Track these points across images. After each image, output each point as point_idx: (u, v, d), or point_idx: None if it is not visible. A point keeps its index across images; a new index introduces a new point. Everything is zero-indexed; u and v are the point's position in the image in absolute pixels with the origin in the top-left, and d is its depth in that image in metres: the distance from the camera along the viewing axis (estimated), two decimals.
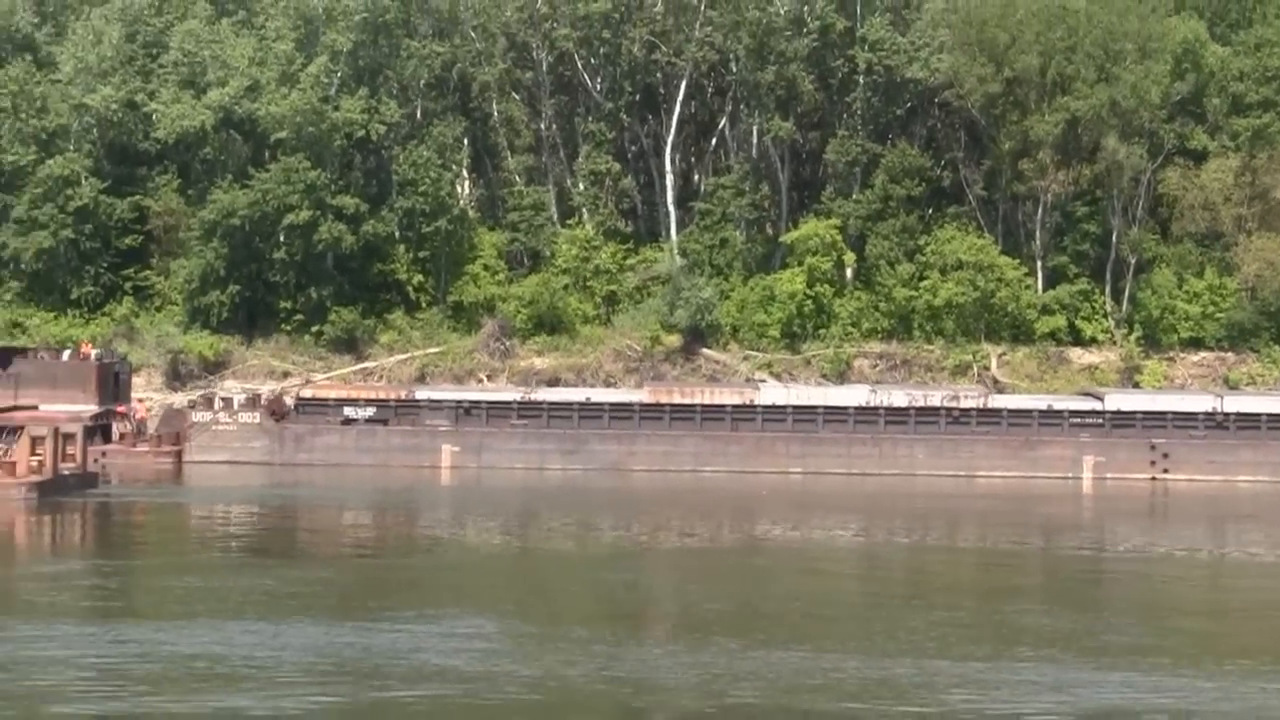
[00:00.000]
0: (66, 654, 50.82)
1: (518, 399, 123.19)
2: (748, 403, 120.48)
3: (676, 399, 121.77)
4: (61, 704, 44.91)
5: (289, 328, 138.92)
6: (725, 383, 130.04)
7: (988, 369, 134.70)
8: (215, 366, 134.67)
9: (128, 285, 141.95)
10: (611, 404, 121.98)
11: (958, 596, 66.85)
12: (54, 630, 54.45)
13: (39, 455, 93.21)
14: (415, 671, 48.63)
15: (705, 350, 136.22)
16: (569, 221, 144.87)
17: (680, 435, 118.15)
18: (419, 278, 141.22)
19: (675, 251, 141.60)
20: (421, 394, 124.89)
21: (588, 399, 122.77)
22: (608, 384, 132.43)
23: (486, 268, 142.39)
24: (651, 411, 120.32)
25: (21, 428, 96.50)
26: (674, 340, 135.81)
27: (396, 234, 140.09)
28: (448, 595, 65.33)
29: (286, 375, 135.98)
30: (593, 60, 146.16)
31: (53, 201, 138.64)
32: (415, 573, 74.24)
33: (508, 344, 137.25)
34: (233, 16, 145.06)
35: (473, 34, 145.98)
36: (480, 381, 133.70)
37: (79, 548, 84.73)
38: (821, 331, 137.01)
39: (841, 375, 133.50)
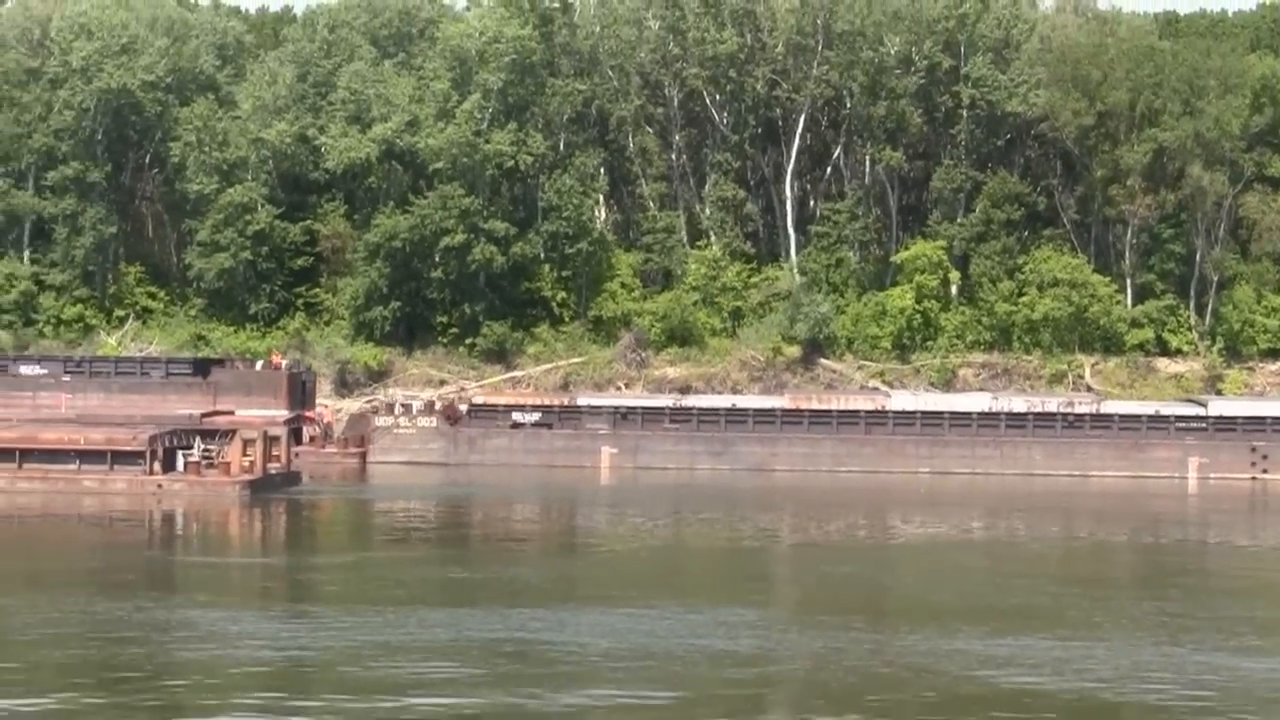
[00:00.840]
0: (410, 639, 49.85)
1: (670, 405, 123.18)
2: (880, 408, 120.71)
3: (815, 405, 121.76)
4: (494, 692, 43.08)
5: (445, 340, 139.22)
6: (857, 390, 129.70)
7: (1081, 377, 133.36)
8: (379, 375, 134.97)
9: (300, 302, 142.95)
10: (755, 410, 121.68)
11: (1154, 588, 65.52)
12: (366, 618, 53.31)
13: (249, 456, 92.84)
14: (727, 655, 47.32)
15: (823, 360, 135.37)
16: (698, 243, 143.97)
17: (818, 438, 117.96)
18: (562, 294, 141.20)
19: (795, 270, 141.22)
20: (583, 400, 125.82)
21: (734, 405, 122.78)
22: (734, 391, 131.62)
23: (623, 285, 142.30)
24: (792, 416, 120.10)
25: (233, 431, 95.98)
26: (794, 351, 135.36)
27: (542, 255, 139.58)
28: (687, 587, 64.04)
29: (443, 383, 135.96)
30: (719, 96, 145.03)
31: (233, 226, 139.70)
32: (637, 565, 72.99)
33: (643, 355, 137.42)
34: (394, 58, 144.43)
35: (610, 73, 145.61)
36: (619, 389, 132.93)
37: (313, 539, 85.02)
38: (929, 343, 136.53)
39: (948, 383, 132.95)
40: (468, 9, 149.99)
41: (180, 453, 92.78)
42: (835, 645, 49.08)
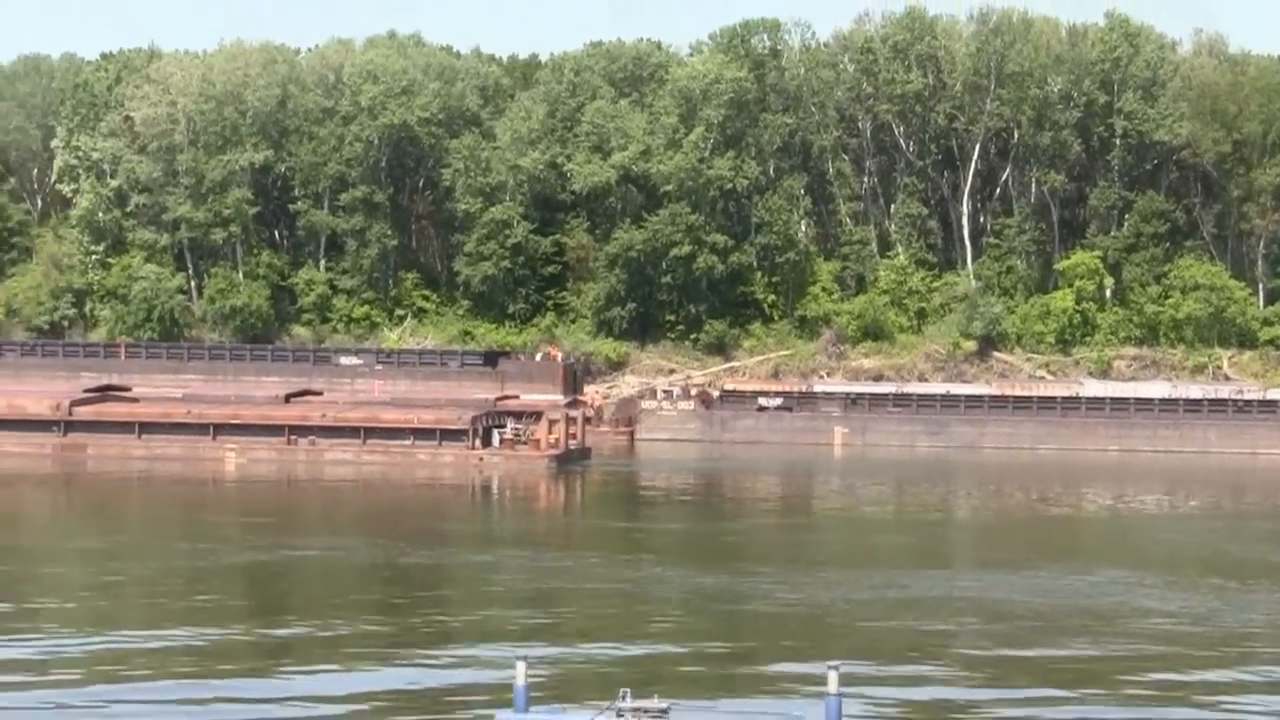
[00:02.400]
0: (905, 595, 49.12)
1: (893, 391, 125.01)
2: (1074, 395, 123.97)
3: (1018, 391, 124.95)
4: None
5: (673, 335, 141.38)
6: (1025, 379, 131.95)
7: (1220, 368, 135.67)
8: (617, 366, 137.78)
9: (549, 303, 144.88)
10: (966, 395, 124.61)
11: None
12: (825, 575, 52.97)
13: (554, 434, 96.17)
14: (1184, 613, 45.90)
15: (996, 353, 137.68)
16: (887, 253, 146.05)
17: (1020, 420, 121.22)
18: (772, 297, 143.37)
19: (971, 276, 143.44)
20: (819, 387, 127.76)
21: (947, 391, 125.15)
22: (920, 380, 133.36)
23: (824, 289, 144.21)
24: (997, 401, 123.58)
25: (540, 413, 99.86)
26: (971, 346, 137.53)
27: (754, 263, 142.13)
28: (1046, 551, 62.02)
29: (671, 372, 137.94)
30: (906, 128, 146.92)
31: (494, 239, 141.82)
32: (969, 533, 73.19)
33: (841, 348, 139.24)
34: (629, 97, 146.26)
35: (813, 109, 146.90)
36: (821, 378, 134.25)
37: (636, 505, 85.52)
38: (1086, 338, 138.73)
39: (1104, 373, 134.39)
40: (691, 55, 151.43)
41: (495, 431, 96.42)
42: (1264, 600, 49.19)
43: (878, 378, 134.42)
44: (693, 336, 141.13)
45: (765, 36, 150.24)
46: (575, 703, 22.83)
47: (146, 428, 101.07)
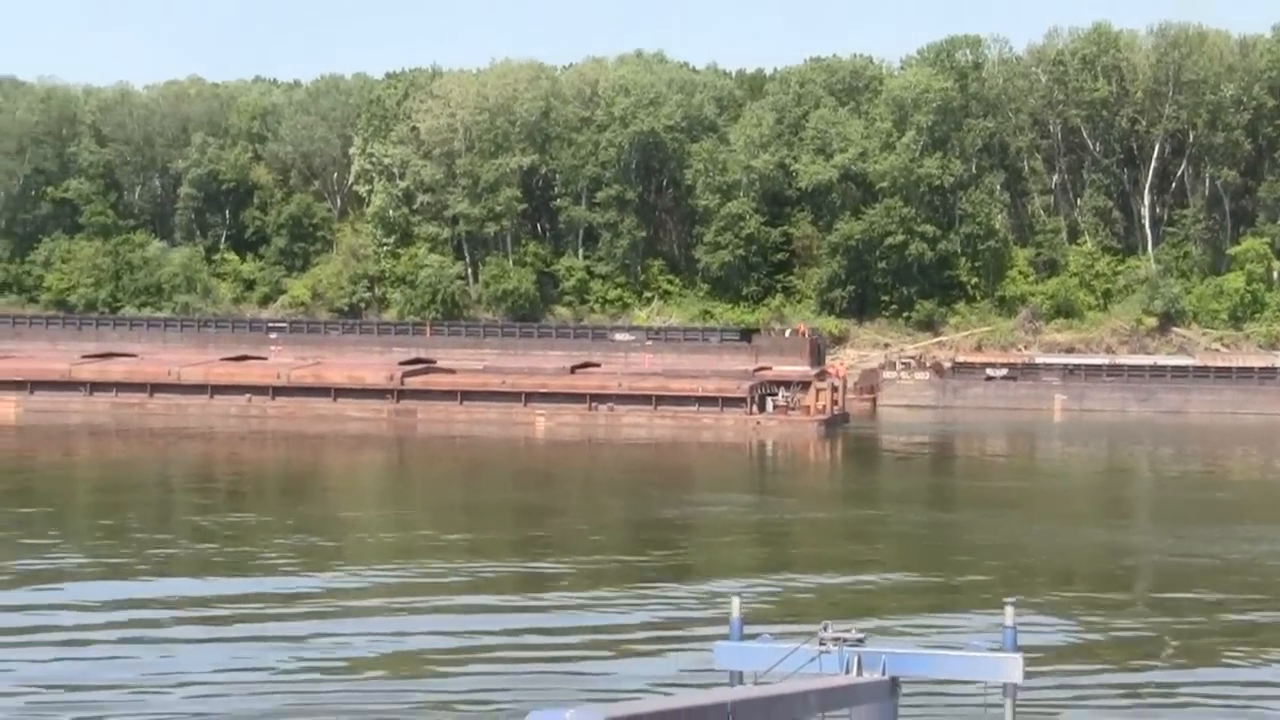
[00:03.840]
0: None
1: (1105, 362, 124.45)
2: (1270, 365, 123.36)
3: (1219, 362, 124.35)
4: None
5: (887, 314, 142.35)
6: (1230, 351, 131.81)
7: None
8: (838, 341, 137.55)
9: (778, 285, 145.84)
10: (1172, 365, 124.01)
11: None
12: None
13: (822, 401, 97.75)
14: None
15: (1174, 329, 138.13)
16: (1077, 241, 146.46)
17: (1221, 388, 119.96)
18: (975, 279, 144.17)
19: (1151, 261, 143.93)
20: (1040, 359, 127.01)
21: (1154, 363, 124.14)
22: (1108, 352, 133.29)
23: (1020, 272, 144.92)
24: (1200, 371, 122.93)
25: (807, 382, 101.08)
26: (1152, 322, 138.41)
27: (959, 250, 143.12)
28: None
29: (886, 346, 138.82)
30: (1092, 130, 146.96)
31: (730, 231, 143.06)
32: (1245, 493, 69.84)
33: (1036, 325, 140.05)
34: (847, 105, 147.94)
35: (1010, 114, 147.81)
36: (1019, 350, 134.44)
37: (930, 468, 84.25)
38: (1256, 315, 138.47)
39: (1271, 346, 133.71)
40: (902, 68, 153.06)
41: (769, 398, 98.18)
42: None
43: (1069, 350, 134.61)
44: (905, 315, 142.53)
45: (968, 51, 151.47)
46: (789, 635, 19.34)
47: (467, 395, 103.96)
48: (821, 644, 14.47)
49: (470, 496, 66.02)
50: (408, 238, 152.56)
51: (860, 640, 14.67)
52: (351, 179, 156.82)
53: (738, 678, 14.72)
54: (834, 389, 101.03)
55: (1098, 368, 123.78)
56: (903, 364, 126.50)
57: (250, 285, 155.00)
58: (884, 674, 14.57)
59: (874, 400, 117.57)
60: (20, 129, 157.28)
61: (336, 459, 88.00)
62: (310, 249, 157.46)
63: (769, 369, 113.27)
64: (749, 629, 15.35)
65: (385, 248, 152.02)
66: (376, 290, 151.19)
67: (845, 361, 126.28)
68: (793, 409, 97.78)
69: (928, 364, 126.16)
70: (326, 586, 39.69)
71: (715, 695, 12.82)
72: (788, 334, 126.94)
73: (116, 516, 54.66)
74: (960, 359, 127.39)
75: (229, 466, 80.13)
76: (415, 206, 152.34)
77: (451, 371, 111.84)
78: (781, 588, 40.16)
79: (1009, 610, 15.29)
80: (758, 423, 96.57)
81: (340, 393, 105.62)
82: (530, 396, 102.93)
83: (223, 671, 29.40)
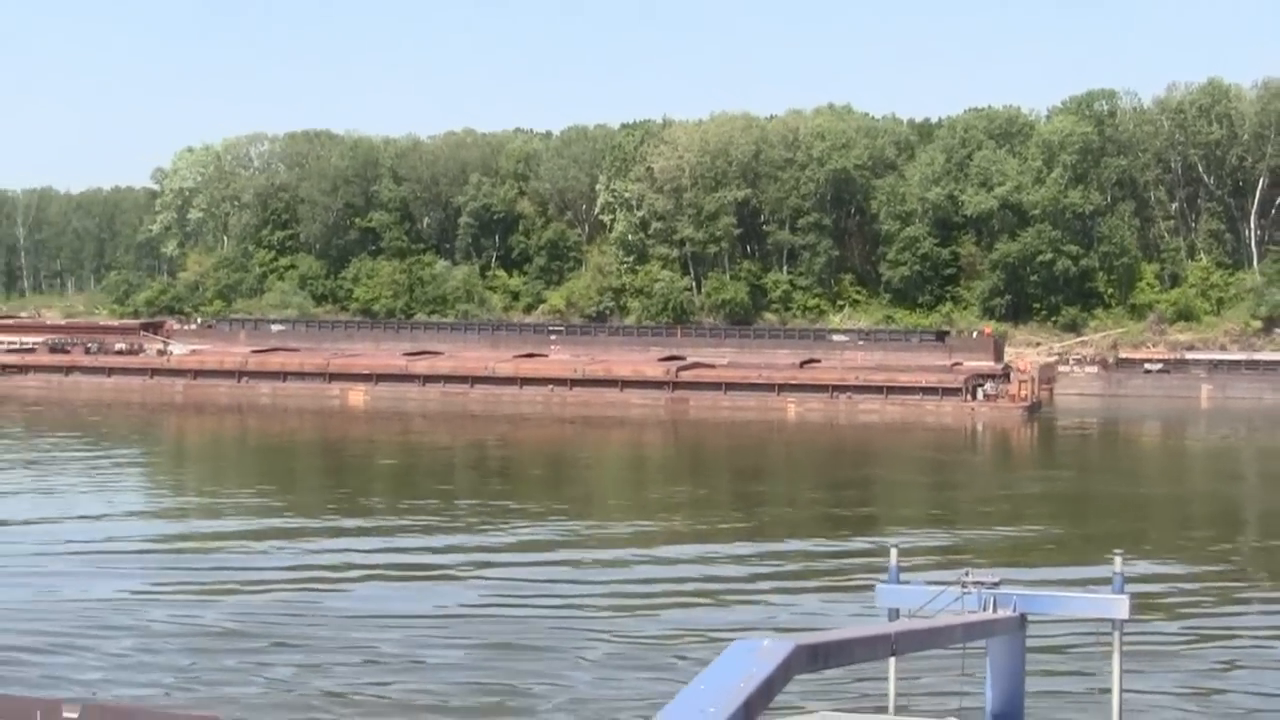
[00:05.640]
0: None
1: (1244, 358, 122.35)
2: None
3: None
4: None
5: (1038, 318, 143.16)
6: None
7: None
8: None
9: (948, 295, 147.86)
10: None
11: None
12: None
13: (1025, 390, 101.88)
14: None
15: (1276, 330, 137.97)
16: (1195, 257, 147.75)
17: None
18: (1110, 290, 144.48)
19: (1257, 274, 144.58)
20: (1189, 355, 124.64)
21: None
22: (1222, 349, 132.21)
23: (1148, 284, 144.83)
24: None
25: (1009, 374, 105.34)
26: (1257, 325, 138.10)
27: (1097, 265, 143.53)
28: None
29: (1038, 345, 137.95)
30: (1206, 165, 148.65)
31: (908, 250, 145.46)
32: None
33: (1163, 327, 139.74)
34: (1003, 147, 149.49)
35: (1138, 153, 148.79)
36: (1148, 349, 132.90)
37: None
38: None
39: None
40: (1049, 117, 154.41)
41: (979, 388, 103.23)
42: None
43: (1189, 347, 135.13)
44: (1052, 319, 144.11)
45: (1104, 101, 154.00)
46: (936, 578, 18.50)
47: (730, 386, 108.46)
48: (964, 587, 14.26)
49: (755, 461, 73.09)
50: (644, 257, 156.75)
51: (996, 584, 14.42)
52: (597, 210, 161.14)
53: (894, 613, 14.49)
54: (1032, 380, 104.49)
55: (1238, 362, 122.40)
56: (1075, 360, 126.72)
57: (515, 296, 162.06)
58: (1014, 611, 14.35)
59: (1050, 390, 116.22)
60: (334, 172, 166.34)
61: (646, 437, 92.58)
62: (564, 266, 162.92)
63: (960, 364, 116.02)
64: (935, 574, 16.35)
65: (625, 265, 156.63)
66: (619, 300, 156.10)
67: (1028, 357, 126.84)
68: (999, 397, 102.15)
69: (1096, 359, 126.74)
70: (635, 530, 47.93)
71: (882, 628, 12.71)
72: (974, 335, 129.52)
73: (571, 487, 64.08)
74: (1122, 355, 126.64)
75: (580, 446, 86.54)
76: (650, 232, 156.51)
77: (712, 366, 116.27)
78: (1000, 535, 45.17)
79: (1117, 560, 14.90)
80: (972, 409, 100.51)
81: (626, 384, 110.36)
82: (782, 387, 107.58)
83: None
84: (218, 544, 46.18)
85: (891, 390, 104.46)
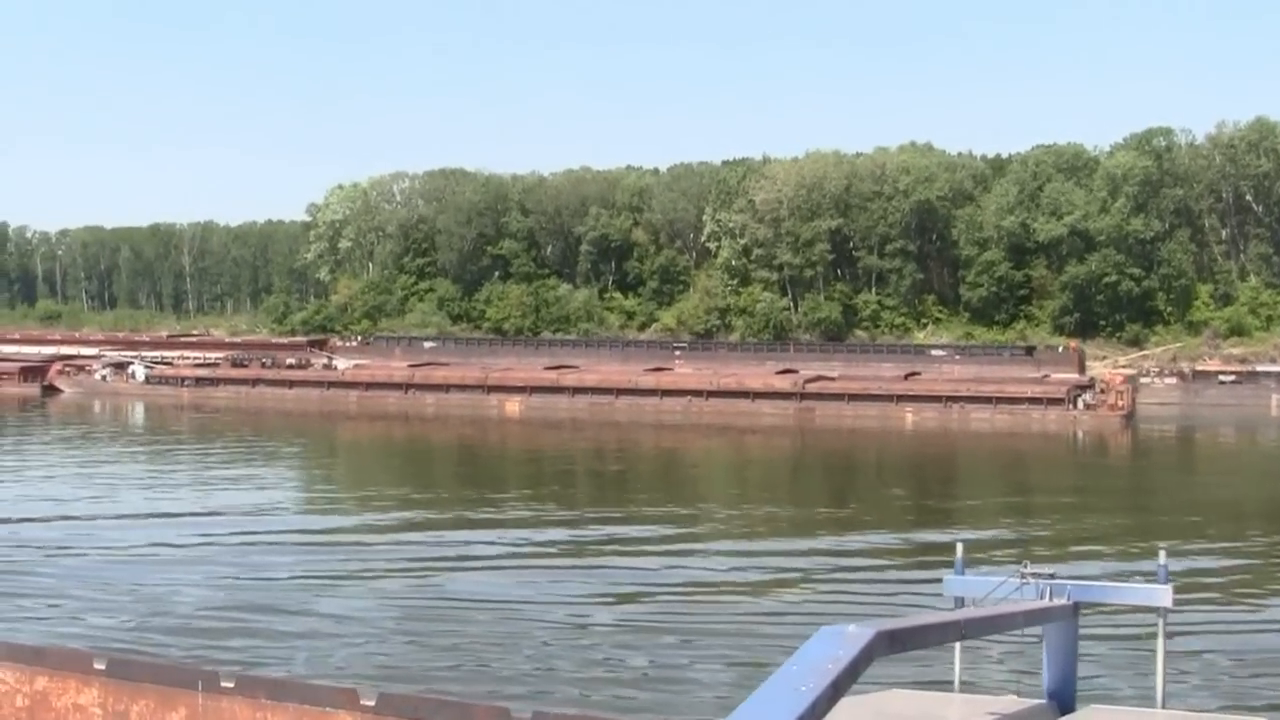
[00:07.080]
0: None
1: None
2: None
3: None
4: None
5: (1104, 335, 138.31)
6: None
7: None
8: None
9: (1021, 313, 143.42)
10: None
11: None
12: None
13: (1121, 400, 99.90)
14: None
15: None
16: (1245, 278, 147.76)
17: None
18: (1169, 309, 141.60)
19: None
20: (1260, 368, 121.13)
21: None
22: (1271, 361, 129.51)
23: (1203, 303, 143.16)
24: None
25: (1108, 384, 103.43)
26: None
27: (1157, 286, 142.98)
28: None
29: (1103, 358, 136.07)
30: (1255, 194, 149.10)
31: (985, 273, 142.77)
32: None
33: (1216, 342, 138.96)
34: (1070, 180, 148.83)
35: (1193, 184, 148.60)
36: (1205, 361, 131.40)
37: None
38: None
39: None
40: (1112, 152, 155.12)
41: (1080, 398, 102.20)
42: None
43: (1242, 360, 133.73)
44: (1117, 335, 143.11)
45: (1162, 138, 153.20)
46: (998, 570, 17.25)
47: (853, 397, 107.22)
48: (1022, 577, 14.22)
49: (915, 465, 73.45)
50: (746, 280, 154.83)
51: (1051, 575, 14.37)
52: (704, 238, 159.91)
53: (960, 602, 14.57)
54: (1129, 391, 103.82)
55: None
56: (1155, 372, 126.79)
57: (630, 315, 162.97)
58: (1068, 600, 14.29)
59: (1133, 400, 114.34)
60: (468, 205, 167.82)
61: (780, 443, 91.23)
62: (674, 289, 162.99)
63: (1049, 376, 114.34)
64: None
65: (730, 287, 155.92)
66: (724, 319, 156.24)
67: (1116, 372, 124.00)
68: (1099, 406, 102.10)
69: (1174, 371, 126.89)
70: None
71: (952, 615, 12.88)
72: (1060, 350, 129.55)
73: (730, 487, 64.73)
74: (1198, 368, 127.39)
75: (733, 452, 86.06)
76: (751, 257, 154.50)
77: (834, 378, 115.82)
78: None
79: (1162, 554, 14.82)
80: (1074, 417, 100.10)
81: (757, 395, 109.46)
82: (900, 398, 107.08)
83: None
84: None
85: (1000, 400, 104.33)
